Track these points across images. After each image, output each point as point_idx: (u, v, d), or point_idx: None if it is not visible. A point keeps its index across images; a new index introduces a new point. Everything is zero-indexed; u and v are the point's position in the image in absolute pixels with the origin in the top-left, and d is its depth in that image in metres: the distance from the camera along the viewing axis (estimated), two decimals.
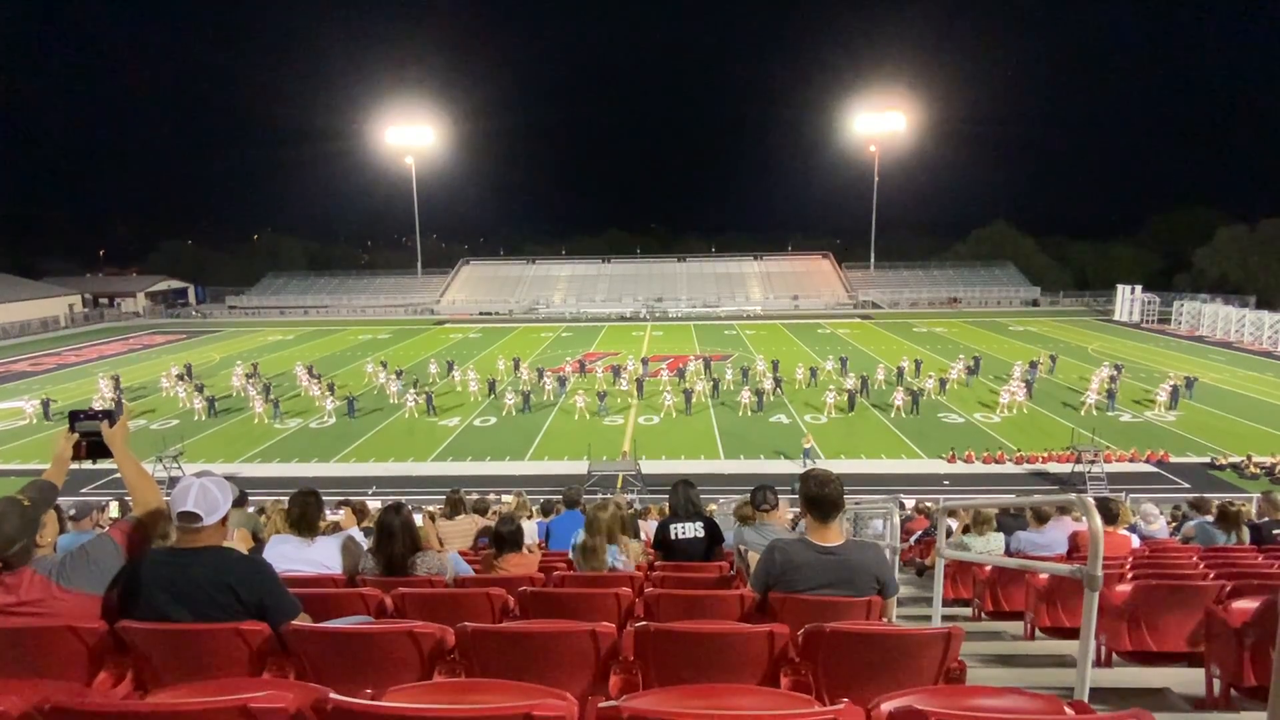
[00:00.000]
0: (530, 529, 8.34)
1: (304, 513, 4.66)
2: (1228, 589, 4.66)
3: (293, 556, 4.44)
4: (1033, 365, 35.00)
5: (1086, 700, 2.63)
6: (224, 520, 2.87)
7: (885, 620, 3.49)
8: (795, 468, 23.46)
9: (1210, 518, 7.77)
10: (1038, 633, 5.91)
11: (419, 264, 77.79)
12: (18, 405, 31.73)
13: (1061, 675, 4.58)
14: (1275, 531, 7.01)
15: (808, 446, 24.24)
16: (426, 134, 75.51)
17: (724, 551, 5.97)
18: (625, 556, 5.15)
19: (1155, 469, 23.29)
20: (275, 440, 28.13)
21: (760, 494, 5.76)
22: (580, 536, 5.08)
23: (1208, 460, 23.70)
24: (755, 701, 2.12)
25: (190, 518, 2.75)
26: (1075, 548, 6.80)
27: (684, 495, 5.81)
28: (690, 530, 5.61)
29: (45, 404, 31.00)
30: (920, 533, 11.02)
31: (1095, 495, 15.48)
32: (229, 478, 3.08)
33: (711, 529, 5.69)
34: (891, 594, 3.54)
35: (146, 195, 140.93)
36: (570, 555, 5.21)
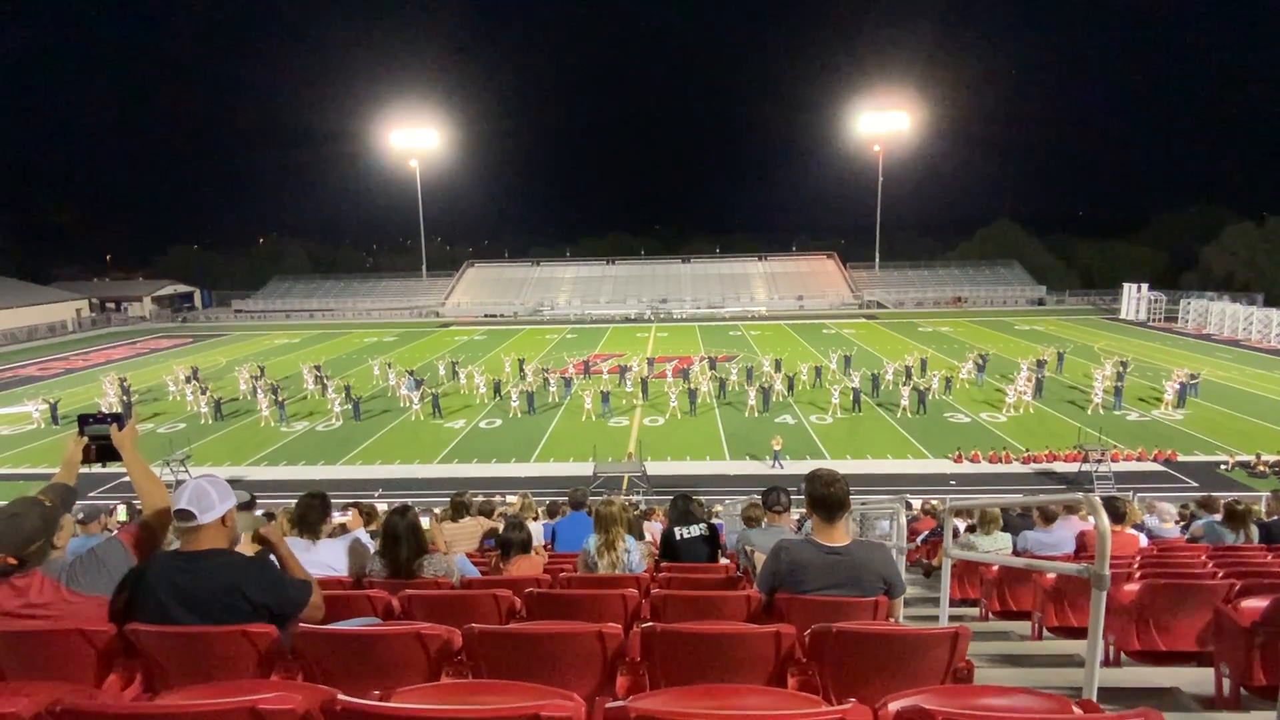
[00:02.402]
0: (536, 531, 8.35)
1: (304, 515, 4.68)
2: (1237, 588, 4.63)
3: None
4: (1040, 364, 34.89)
5: (1095, 700, 2.62)
6: (224, 521, 2.87)
7: (892, 620, 3.48)
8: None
9: (1218, 516, 7.73)
10: (1045, 632, 5.89)
11: (424, 266, 77.96)
12: (25, 410, 31.90)
13: (1069, 675, 4.56)
14: None
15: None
16: (431, 136, 75.67)
17: (728, 553, 5.99)
18: (644, 547, 5.16)
19: (1163, 468, 23.18)
20: (282, 443, 28.22)
21: (773, 495, 5.78)
22: (593, 540, 5.08)
23: (1216, 459, 23.59)
24: (762, 701, 2.12)
25: (184, 516, 2.75)
26: (1083, 547, 6.78)
27: (683, 509, 5.88)
28: (694, 531, 5.65)
29: (53, 408, 31.17)
30: (927, 533, 10.99)
31: (1102, 494, 15.41)
32: (234, 481, 3.10)
33: (711, 532, 5.73)
34: (898, 594, 3.54)
35: (152, 200, 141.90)
36: (579, 560, 5.20)
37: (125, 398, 34.15)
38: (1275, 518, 7.44)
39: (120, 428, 3.15)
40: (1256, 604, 3.97)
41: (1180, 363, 36.43)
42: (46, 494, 2.91)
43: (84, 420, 3.17)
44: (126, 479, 3.46)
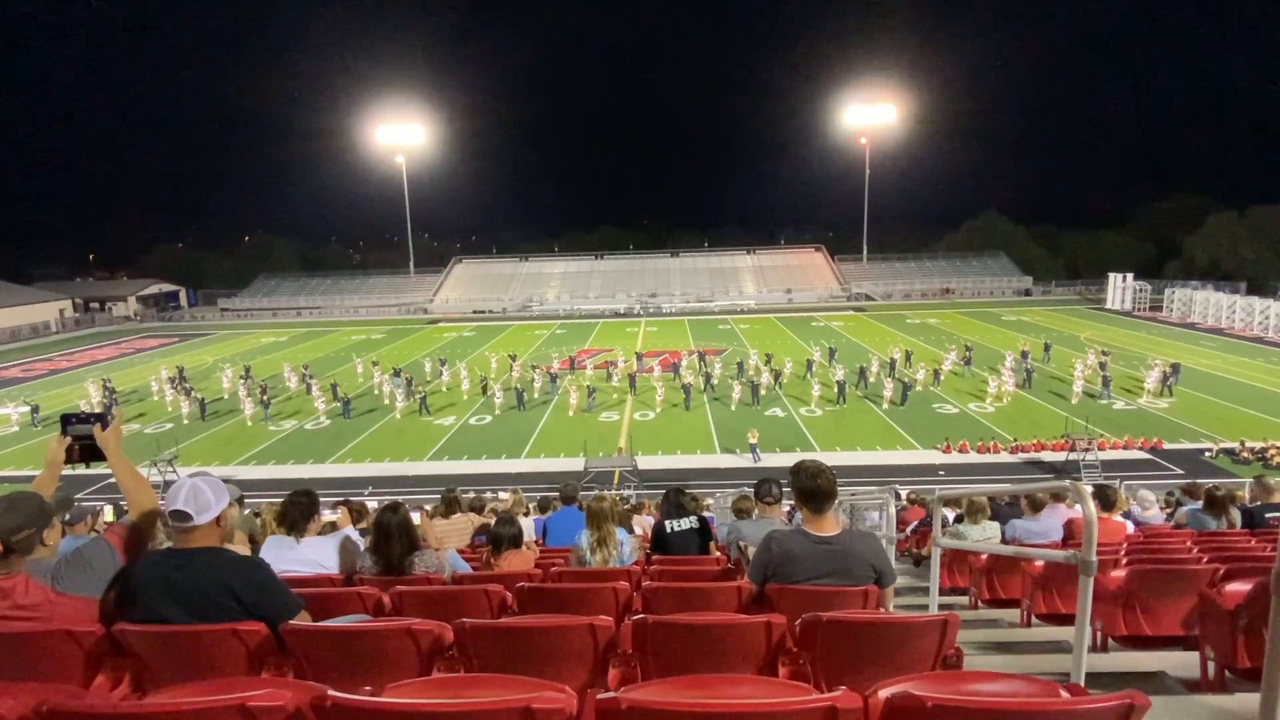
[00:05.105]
0: (527, 526, 8.35)
1: (285, 511, 4.66)
2: (1221, 572, 4.69)
3: (285, 557, 4.43)
4: (1024, 355, 35.11)
5: (1082, 684, 2.65)
6: (219, 520, 2.85)
7: (882, 610, 3.50)
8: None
9: (1201, 503, 7.82)
10: (1034, 619, 5.95)
11: (411, 263, 77.55)
12: (5, 412, 31.53)
13: (1058, 661, 4.61)
14: (1267, 515, 7.05)
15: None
16: (417, 132, 75.21)
17: (719, 546, 6.01)
18: (634, 540, 5.18)
19: (1149, 455, 23.43)
20: (271, 442, 28.06)
21: (765, 486, 5.81)
22: (585, 536, 5.08)
23: (1201, 446, 23.86)
24: (753, 690, 2.13)
25: (180, 517, 2.74)
26: (1070, 535, 6.84)
27: (675, 501, 5.89)
28: (685, 524, 5.66)
29: (33, 410, 30.83)
30: (916, 523, 11.06)
31: (1093, 483, 15.56)
32: (226, 480, 3.07)
33: (703, 525, 5.75)
34: (889, 583, 3.56)
35: (136, 198, 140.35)
36: (573, 555, 5.21)
37: (107, 399, 33.83)
38: (1258, 503, 7.52)
39: (104, 427, 3.12)
40: (1240, 588, 4.02)
41: (1165, 352, 36.81)
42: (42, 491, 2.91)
43: (67, 420, 3.13)
44: (112, 480, 3.41)
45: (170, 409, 32.63)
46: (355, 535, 5.19)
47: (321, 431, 29.25)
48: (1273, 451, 22.24)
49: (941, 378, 33.37)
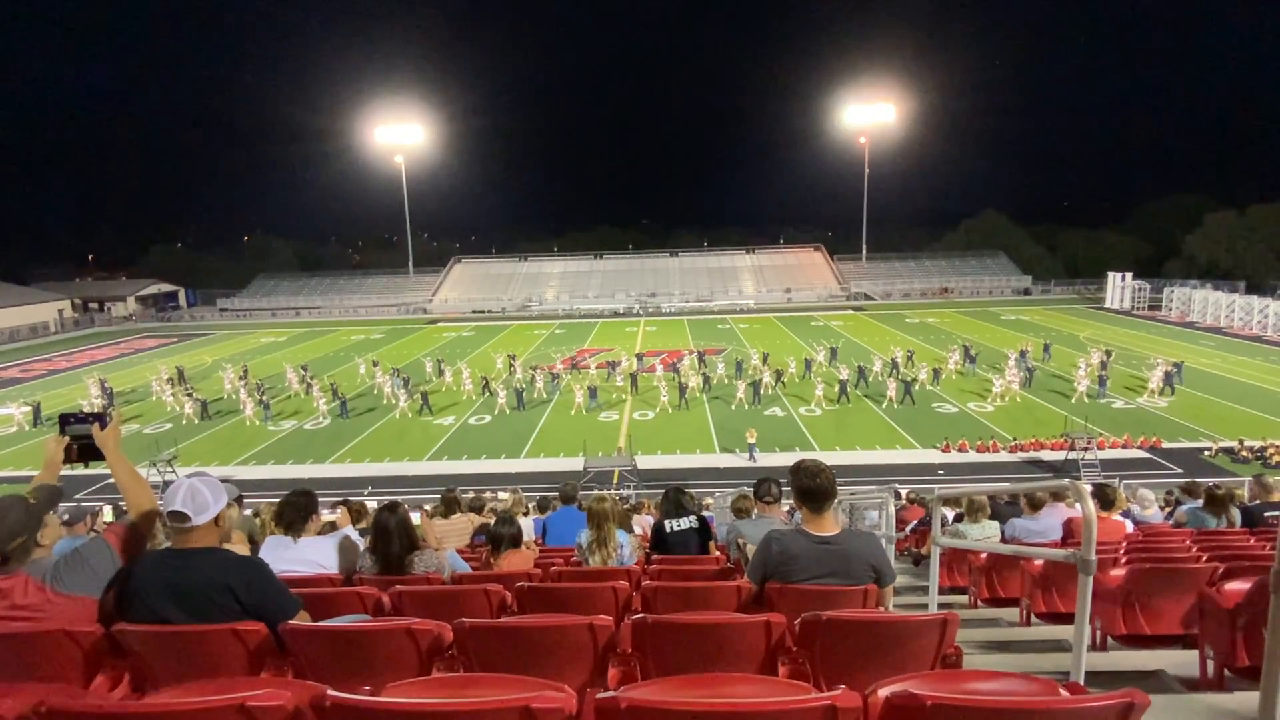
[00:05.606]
0: (527, 525, 8.34)
1: (282, 511, 4.66)
2: (1220, 571, 4.70)
3: (284, 557, 4.43)
4: (1023, 354, 35.06)
5: (1082, 683, 2.65)
6: (217, 521, 2.85)
7: (882, 609, 3.50)
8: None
9: (1200, 502, 7.82)
10: (1033, 618, 5.95)
11: (410, 263, 77.51)
12: (7, 412, 31.50)
13: (1057, 659, 4.61)
14: (1266, 514, 7.06)
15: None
16: (416, 132, 75.19)
17: (718, 545, 6.01)
18: (634, 540, 5.18)
19: (1148, 454, 23.43)
20: (270, 442, 28.04)
21: (764, 485, 5.81)
22: (585, 536, 5.09)
23: (1200, 445, 23.86)
24: (752, 690, 2.13)
25: (179, 517, 2.73)
26: (1070, 534, 6.84)
27: (675, 501, 5.90)
28: (685, 523, 5.66)
29: (35, 410, 30.80)
30: (916, 522, 11.06)
31: (1093, 482, 15.57)
32: (225, 480, 3.07)
33: (702, 524, 5.75)
34: (888, 582, 3.56)
35: (135, 198, 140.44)
36: (576, 554, 5.22)
37: (105, 399, 33.79)
38: (1257, 502, 7.53)
39: (102, 427, 3.11)
40: (1239, 586, 4.02)
41: (1164, 351, 36.81)
42: (32, 493, 2.89)
43: (65, 419, 3.12)
44: (112, 480, 3.41)
45: (171, 409, 32.62)
46: (355, 535, 5.19)
47: (321, 431, 29.23)
48: (1272, 450, 22.25)
49: (942, 377, 33.37)
